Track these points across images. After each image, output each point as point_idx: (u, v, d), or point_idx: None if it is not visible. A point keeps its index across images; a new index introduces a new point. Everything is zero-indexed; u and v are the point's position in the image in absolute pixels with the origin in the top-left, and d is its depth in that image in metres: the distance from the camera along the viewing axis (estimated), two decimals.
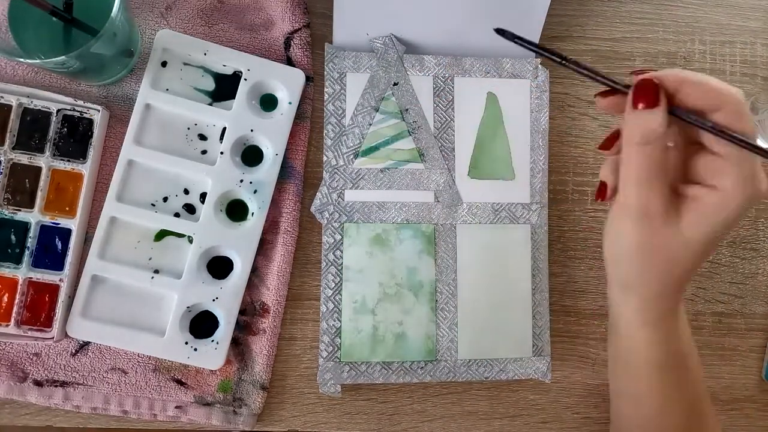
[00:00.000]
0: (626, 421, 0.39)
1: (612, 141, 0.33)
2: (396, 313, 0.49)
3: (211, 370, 0.47)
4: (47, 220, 0.45)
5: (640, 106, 0.30)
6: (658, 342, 0.35)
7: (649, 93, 0.29)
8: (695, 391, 0.37)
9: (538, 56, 0.53)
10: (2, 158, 0.45)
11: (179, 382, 0.47)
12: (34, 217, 0.45)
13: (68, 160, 0.46)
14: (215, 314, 0.47)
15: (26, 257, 0.45)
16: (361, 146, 0.50)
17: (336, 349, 0.48)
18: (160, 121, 0.47)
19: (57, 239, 0.45)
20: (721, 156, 0.30)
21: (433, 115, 0.51)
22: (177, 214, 0.47)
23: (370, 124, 0.50)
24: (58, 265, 0.45)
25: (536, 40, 0.52)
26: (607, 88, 0.32)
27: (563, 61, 0.32)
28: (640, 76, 0.30)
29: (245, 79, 0.48)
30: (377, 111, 0.50)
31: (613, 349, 0.38)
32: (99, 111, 0.46)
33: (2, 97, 0.45)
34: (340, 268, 0.49)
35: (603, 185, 0.34)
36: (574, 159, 0.54)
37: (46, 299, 0.45)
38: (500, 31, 0.33)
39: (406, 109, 0.51)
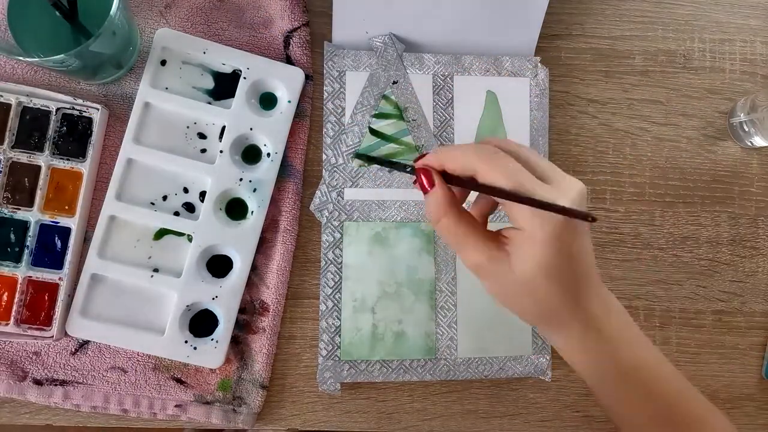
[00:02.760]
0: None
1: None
2: (395, 312, 0.49)
3: (211, 369, 0.47)
4: (47, 218, 0.45)
5: (422, 191, 0.34)
6: (587, 363, 0.35)
7: (427, 177, 0.34)
8: (667, 402, 0.35)
9: (539, 61, 0.53)
10: (1, 157, 0.45)
11: (179, 381, 0.47)
12: (33, 215, 0.45)
13: (67, 159, 0.46)
14: (215, 313, 0.47)
15: (26, 256, 0.45)
16: (360, 144, 0.50)
17: (335, 347, 0.48)
18: (160, 120, 0.47)
19: (56, 238, 0.45)
20: (505, 204, 0.33)
21: (432, 114, 0.51)
22: (176, 213, 0.47)
23: (370, 123, 0.50)
24: (57, 263, 0.45)
25: (535, 38, 0.52)
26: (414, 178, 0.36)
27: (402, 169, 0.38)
28: (418, 163, 0.35)
29: (244, 78, 0.48)
30: (376, 109, 0.50)
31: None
32: (98, 110, 0.46)
33: (1, 95, 0.45)
34: (339, 266, 0.49)
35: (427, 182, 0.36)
36: (574, 157, 0.54)
37: (46, 298, 0.45)
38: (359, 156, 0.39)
39: (406, 108, 0.51)
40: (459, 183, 0.34)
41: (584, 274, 0.33)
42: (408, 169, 0.36)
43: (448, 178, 0.34)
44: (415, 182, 0.35)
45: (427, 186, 0.34)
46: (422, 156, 0.35)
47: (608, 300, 0.35)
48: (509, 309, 0.35)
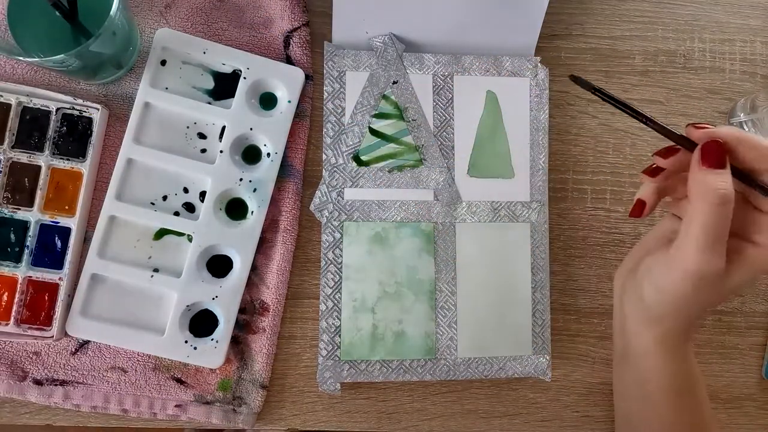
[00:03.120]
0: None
1: (659, 170, 0.35)
2: (395, 312, 0.49)
3: (211, 369, 0.47)
4: (47, 218, 0.45)
5: (707, 166, 0.31)
6: (674, 370, 0.36)
7: (716, 155, 0.31)
8: (703, 416, 0.38)
9: (539, 61, 0.53)
10: (2, 157, 0.45)
11: (179, 381, 0.47)
12: (33, 215, 0.45)
13: (68, 159, 0.46)
14: (215, 313, 0.47)
15: (26, 256, 0.45)
16: (360, 144, 0.50)
17: (335, 347, 0.48)
18: (160, 120, 0.47)
19: (56, 238, 0.45)
20: (766, 213, 0.32)
21: (432, 114, 0.51)
22: (176, 213, 0.47)
23: (370, 123, 0.50)
24: (57, 263, 0.45)
25: (535, 38, 0.52)
26: (668, 148, 0.34)
27: (642, 119, 0.34)
28: (701, 132, 0.32)
29: (244, 78, 0.48)
30: (376, 109, 0.50)
31: (624, 375, 0.39)
32: (98, 110, 0.46)
33: (2, 95, 0.45)
34: (339, 266, 0.49)
35: (641, 203, 0.36)
36: (574, 157, 0.54)
37: (46, 298, 0.45)
38: (575, 79, 0.34)
39: (406, 108, 0.51)
40: (737, 175, 0.31)
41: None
42: (679, 138, 0.33)
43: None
44: (663, 154, 0.33)
45: (704, 162, 0.31)
46: (699, 126, 0.32)
47: None
48: (656, 306, 0.35)
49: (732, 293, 0.35)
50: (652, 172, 0.35)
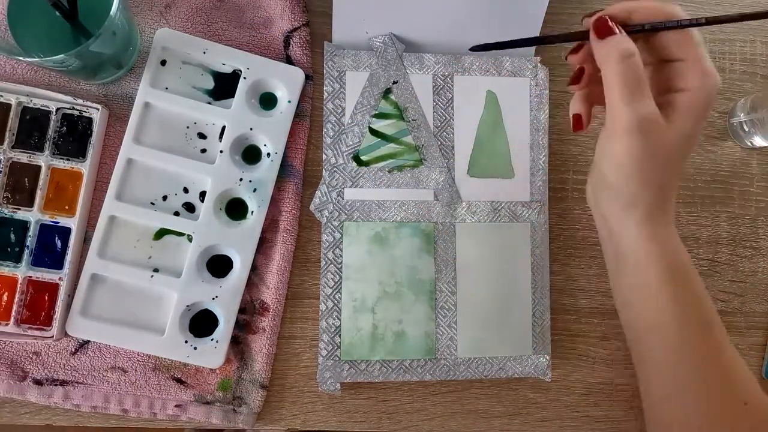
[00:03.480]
0: (648, 353, 0.39)
1: (579, 76, 0.38)
2: (395, 312, 0.49)
3: (211, 369, 0.47)
4: (47, 218, 0.45)
5: (601, 36, 0.35)
6: (663, 255, 0.37)
7: (605, 26, 0.35)
8: (707, 305, 0.38)
9: (539, 61, 0.53)
10: (2, 157, 0.45)
11: (179, 381, 0.47)
12: (33, 215, 0.45)
13: (67, 159, 0.46)
14: (215, 313, 0.47)
15: (26, 256, 0.45)
16: (360, 144, 0.50)
17: (335, 347, 0.48)
18: (160, 120, 0.47)
19: (56, 238, 0.45)
20: (683, 60, 0.35)
21: (432, 114, 0.51)
22: (176, 213, 0.47)
23: (370, 123, 0.50)
24: (57, 263, 0.45)
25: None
26: (573, 47, 0.38)
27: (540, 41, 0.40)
28: (593, 17, 0.35)
29: (244, 78, 0.48)
30: (376, 109, 0.50)
31: (620, 278, 0.40)
32: (98, 110, 0.46)
33: (1, 95, 0.45)
34: (339, 266, 0.49)
35: (578, 117, 0.39)
36: (574, 157, 0.54)
37: (46, 298, 0.45)
38: (477, 48, 0.39)
39: (406, 108, 0.51)
40: (638, 29, 0.35)
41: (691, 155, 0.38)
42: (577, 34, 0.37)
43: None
44: (573, 52, 0.37)
45: (598, 34, 0.35)
46: (592, 14, 0.36)
47: None
48: (625, 184, 0.36)
49: (683, 144, 0.35)
50: (576, 78, 0.38)
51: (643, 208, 0.36)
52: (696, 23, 0.35)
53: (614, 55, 0.34)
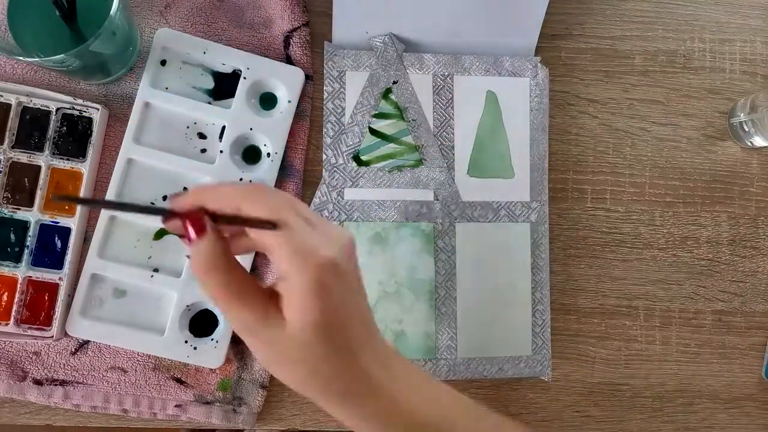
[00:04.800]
0: None
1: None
2: (395, 312, 0.49)
3: (211, 369, 0.47)
4: (47, 218, 0.45)
5: (194, 239, 0.29)
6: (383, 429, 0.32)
7: (193, 223, 0.29)
8: None
9: (539, 61, 0.53)
10: (2, 157, 0.45)
11: (179, 381, 0.47)
12: (33, 215, 0.45)
13: (67, 159, 0.46)
14: (215, 313, 0.47)
15: (26, 256, 0.45)
16: (360, 144, 0.50)
17: None
18: (160, 120, 0.47)
19: (56, 238, 0.45)
20: (271, 245, 0.29)
21: (432, 114, 0.51)
22: None
23: (370, 123, 0.50)
24: (57, 263, 0.45)
25: (535, 38, 0.52)
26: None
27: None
28: (181, 204, 0.29)
29: (244, 78, 0.48)
30: (376, 109, 0.50)
31: None
32: (98, 110, 0.46)
33: (1, 95, 0.45)
34: None
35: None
36: (574, 157, 0.54)
37: (46, 298, 0.45)
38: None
39: (406, 108, 0.51)
40: (224, 221, 0.29)
41: (358, 331, 0.30)
42: (164, 213, 0.30)
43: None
44: (167, 222, 0.30)
45: (192, 234, 0.28)
46: (176, 196, 0.30)
47: (391, 360, 0.32)
48: (288, 383, 0.31)
49: (307, 339, 0.29)
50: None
51: (330, 401, 0.32)
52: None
53: (202, 268, 0.28)
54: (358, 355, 0.30)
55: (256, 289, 0.29)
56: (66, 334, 0.46)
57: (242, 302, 0.29)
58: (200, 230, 0.28)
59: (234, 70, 0.48)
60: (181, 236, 0.30)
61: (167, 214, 0.29)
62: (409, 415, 0.32)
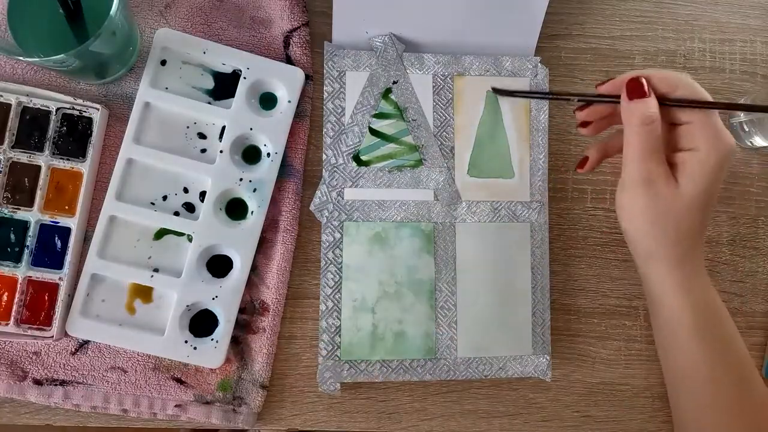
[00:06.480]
0: (682, 397, 0.41)
1: (584, 163, 0.44)
2: (395, 312, 0.49)
3: (211, 369, 0.47)
4: (47, 218, 0.45)
5: (633, 98, 0.37)
6: (692, 306, 0.39)
7: (640, 88, 0.37)
8: (740, 358, 0.39)
9: (539, 61, 0.53)
10: (2, 157, 0.45)
11: (179, 381, 0.47)
12: (33, 215, 0.45)
13: (67, 159, 0.46)
14: (215, 313, 0.47)
15: (26, 256, 0.45)
16: (360, 144, 0.50)
17: (335, 347, 0.48)
18: (160, 120, 0.47)
19: (56, 238, 0.45)
20: (691, 123, 0.38)
21: (432, 114, 0.51)
22: (176, 213, 0.47)
23: (370, 123, 0.50)
24: (57, 263, 0.45)
25: (535, 38, 0.52)
26: (580, 106, 0.42)
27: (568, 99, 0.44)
28: (627, 77, 0.38)
29: (244, 78, 0.48)
30: (376, 109, 0.50)
31: (655, 325, 0.42)
32: (98, 110, 0.46)
33: (1, 95, 0.45)
34: (339, 266, 0.49)
35: (585, 159, 0.44)
36: (574, 157, 0.54)
37: (46, 298, 0.45)
38: (497, 91, 0.46)
39: (406, 108, 0.51)
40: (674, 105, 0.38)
41: (711, 214, 0.38)
42: (606, 98, 0.40)
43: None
44: (580, 108, 0.41)
45: (630, 95, 0.37)
46: (607, 80, 0.40)
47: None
48: (634, 231, 0.38)
49: (696, 204, 0.37)
50: (581, 164, 0.44)
51: (663, 261, 0.38)
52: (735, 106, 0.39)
53: (638, 117, 0.37)
54: (703, 234, 0.39)
55: (663, 151, 0.37)
56: (66, 334, 0.46)
57: (657, 155, 0.37)
58: (642, 94, 0.37)
59: (234, 70, 0.48)
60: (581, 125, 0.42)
61: (581, 101, 0.42)
62: (716, 302, 0.40)
